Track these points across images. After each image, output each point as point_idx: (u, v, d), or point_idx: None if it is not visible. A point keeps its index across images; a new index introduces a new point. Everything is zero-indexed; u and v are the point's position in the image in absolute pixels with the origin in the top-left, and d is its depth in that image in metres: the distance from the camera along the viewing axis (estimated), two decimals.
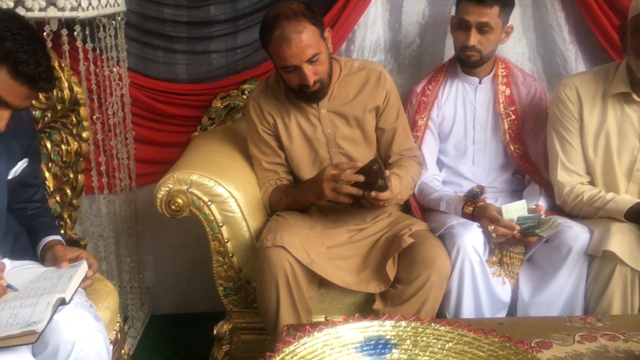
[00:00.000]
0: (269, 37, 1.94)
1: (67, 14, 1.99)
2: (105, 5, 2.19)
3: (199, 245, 2.65)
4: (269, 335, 1.99)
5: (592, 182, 2.12)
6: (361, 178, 1.87)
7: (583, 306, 1.95)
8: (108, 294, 1.78)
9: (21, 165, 1.68)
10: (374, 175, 1.85)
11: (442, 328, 1.38)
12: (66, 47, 2.09)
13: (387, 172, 1.89)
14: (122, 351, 1.83)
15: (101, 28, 2.25)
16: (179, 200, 2.00)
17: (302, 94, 2.05)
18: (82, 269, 1.54)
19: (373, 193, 1.87)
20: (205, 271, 2.61)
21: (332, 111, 2.13)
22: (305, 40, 1.91)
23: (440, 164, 2.38)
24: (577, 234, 1.93)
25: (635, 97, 2.00)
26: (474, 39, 2.15)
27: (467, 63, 2.23)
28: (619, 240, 1.83)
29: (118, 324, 1.81)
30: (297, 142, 2.15)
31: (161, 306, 2.80)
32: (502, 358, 1.29)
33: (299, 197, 2.09)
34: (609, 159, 2.05)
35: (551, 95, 2.32)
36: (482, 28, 2.14)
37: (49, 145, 1.96)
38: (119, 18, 2.38)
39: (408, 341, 1.36)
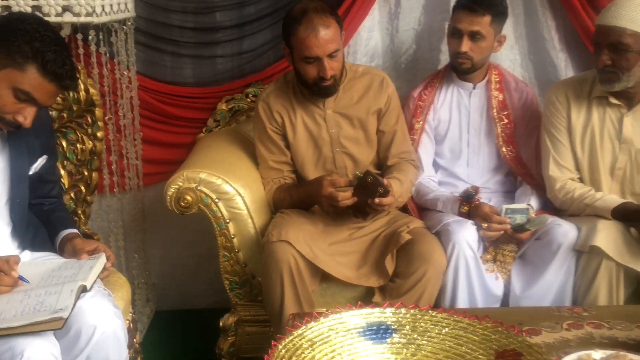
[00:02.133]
0: (296, 28, 2.05)
1: (82, 19, 2.10)
2: (117, 11, 2.30)
3: (204, 240, 2.73)
4: (273, 326, 2.08)
5: (580, 179, 2.23)
6: (351, 201, 2.01)
7: (572, 299, 2.05)
8: (121, 285, 1.87)
9: (40, 161, 1.78)
10: (371, 186, 1.97)
11: (439, 315, 1.46)
12: (80, 50, 2.19)
13: (385, 180, 2.00)
14: (135, 339, 1.92)
15: (113, 33, 2.35)
16: (188, 198, 2.09)
17: (316, 88, 2.14)
18: (101, 260, 1.63)
19: (377, 200, 1.98)
20: (210, 266, 2.71)
21: (337, 112, 2.24)
22: (330, 34, 2.04)
23: (436, 165, 2.48)
24: (566, 231, 2.05)
25: (612, 100, 2.13)
26: (466, 45, 2.25)
27: (460, 70, 2.34)
28: (604, 237, 1.95)
29: (130, 314, 1.91)
30: (303, 140, 2.26)
31: (166, 302, 2.88)
32: (494, 341, 1.38)
33: (303, 199, 2.19)
34: (594, 157, 2.18)
35: (542, 100, 2.43)
36: (474, 36, 2.24)
37: (64, 144, 2.05)
38: (129, 23, 2.47)
39: (407, 327, 1.45)
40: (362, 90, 2.26)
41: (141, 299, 2.71)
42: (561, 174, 2.21)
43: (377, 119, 2.28)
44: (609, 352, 1.43)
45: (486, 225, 2.10)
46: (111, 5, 2.23)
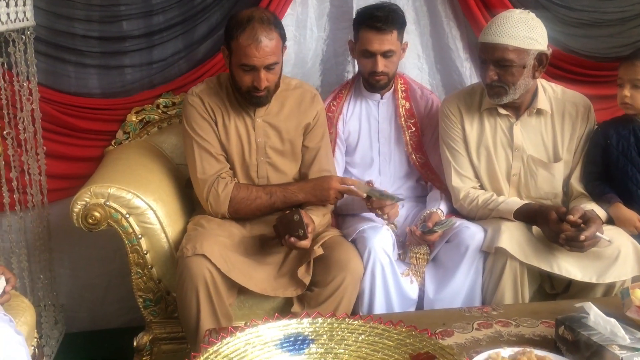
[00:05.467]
0: (239, 34, 2.02)
1: None
2: (15, 20, 2.18)
3: (114, 257, 2.65)
4: (190, 343, 2.03)
5: (481, 186, 2.33)
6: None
7: (481, 298, 2.14)
8: (25, 309, 1.77)
9: None
10: (294, 225, 1.95)
11: (355, 322, 1.49)
12: None
13: (308, 222, 1.98)
14: None
15: (10, 43, 2.22)
16: (96, 214, 2.01)
17: (248, 96, 2.12)
18: (0, 284, 1.53)
19: (292, 239, 1.97)
20: (121, 284, 2.62)
21: (266, 122, 2.22)
22: (271, 47, 2.02)
23: (349, 174, 2.50)
24: (473, 234, 2.13)
25: (501, 111, 2.24)
26: (381, 65, 2.30)
27: (377, 86, 2.38)
28: (508, 238, 2.04)
29: (36, 340, 1.80)
30: (232, 143, 2.20)
31: (76, 323, 2.75)
32: (409, 345, 1.41)
33: (290, 197, 2.17)
34: (491, 165, 2.28)
35: None
36: (386, 54, 2.29)
37: None
38: (29, 33, 2.35)
39: (325, 336, 1.46)
40: (293, 104, 2.25)
41: (49, 321, 2.57)
42: (463, 183, 2.30)
43: (304, 134, 2.28)
44: (516, 349, 1.50)
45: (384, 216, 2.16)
46: (8, 14, 2.11)
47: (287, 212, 1.99)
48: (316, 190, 2.17)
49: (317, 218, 2.12)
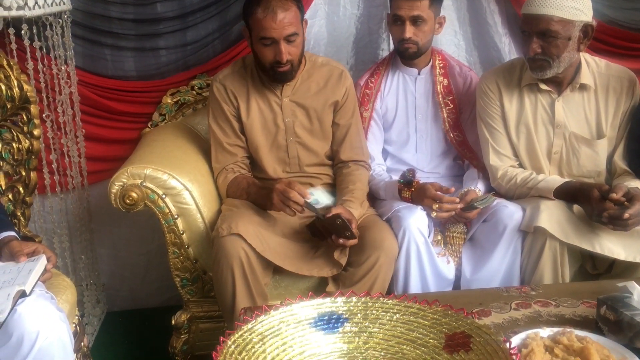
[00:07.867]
0: (254, 8, 2.03)
1: (14, 13, 2.01)
2: (52, 3, 2.21)
3: (154, 237, 2.69)
4: (227, 321, 2.06)
5: (520, 165, 2.27)
6: (301, 201, 1.96)
7: (519, 279, 2.09)
8: (66, 287, 1.81)
9: None
10: (339, 228, 1.94)
11: (390, 301, 1.47)
12: (14, 45, 2.10)
13: (350, 219, 1.96)
14: (82, 343, 1.86)
15: (48, 27, 2.26)
16: (134, 194, 2.04)
17: (272, 72, 2.12)
18: (41, 262, 1.57)
19: (341, 240, 1.96)
20: (160, 263, 2.66)
21: (293, 101, 2.22)
22: (288, 17, 2.02)
23: (385, 153, 2.48)
24: (511, 213, 2.08)
25: (542, 86, 2.17)
26: (409, 31, 2.26)
27: (406, 55, 2.34)
28: (547, 216, 1.98)
29: (77, 317, 1.85)
30: (257, 126, 2.22)
31: (118, 302, 2.82)
32: (444, 325, 1.39)
33: (258, 201, 2.15)
34: (531, 142, 2.22)
35: None
36: (416, 21, 2.25)
37: None
38: (65, 16, 2.39)
39: (359, 315, 1.45)
40: (321, 82, 2.24)
41: (91, 300, 2.63)
42: (501, 162, 2.25)
43: (333, 112, 2.26)
44: (556, 329, 1.47)
45: (437, 206, 2.11)
46: None
47: (327, 216, 1.96)
48: (266, 195, 2.08)
49: (356, 210, 2.10)
